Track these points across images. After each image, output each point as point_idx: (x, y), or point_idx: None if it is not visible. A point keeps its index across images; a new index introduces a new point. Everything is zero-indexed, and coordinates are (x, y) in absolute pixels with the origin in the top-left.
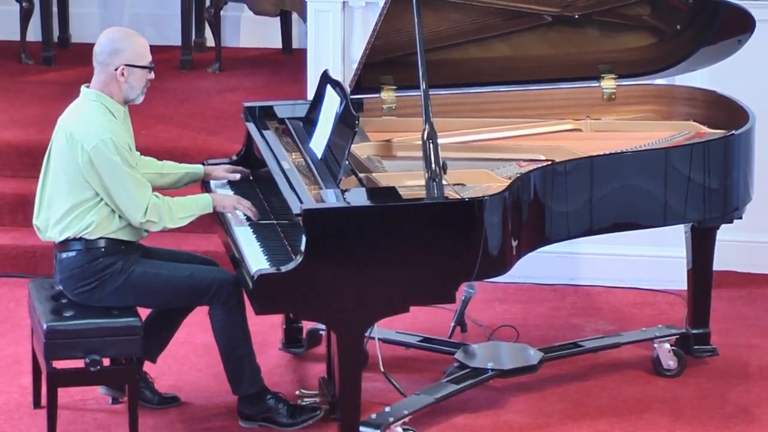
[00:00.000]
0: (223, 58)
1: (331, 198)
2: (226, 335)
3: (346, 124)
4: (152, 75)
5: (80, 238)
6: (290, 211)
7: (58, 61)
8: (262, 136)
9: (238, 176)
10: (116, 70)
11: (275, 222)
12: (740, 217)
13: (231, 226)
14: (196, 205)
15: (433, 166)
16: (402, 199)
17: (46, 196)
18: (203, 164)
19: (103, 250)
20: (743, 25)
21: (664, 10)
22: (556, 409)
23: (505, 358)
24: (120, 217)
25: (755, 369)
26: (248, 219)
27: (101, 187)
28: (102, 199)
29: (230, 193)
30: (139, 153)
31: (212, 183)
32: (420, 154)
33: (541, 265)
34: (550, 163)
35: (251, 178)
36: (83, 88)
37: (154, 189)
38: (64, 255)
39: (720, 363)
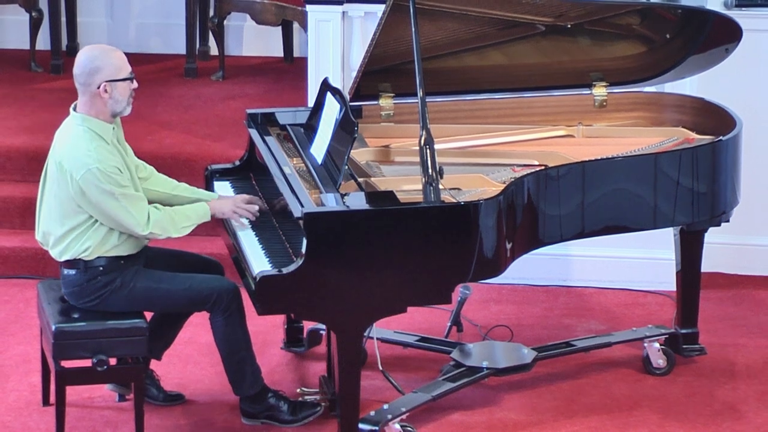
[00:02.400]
0: (226, 67)
1: (331, 202)
2: (227, 340)
3: (346, 131)
4: (135, 84)
5: (79, 259)
6: (291, 213)
7: (67, 69)
8: (264, 141)
9: (248, 218)
10: (98, 87)
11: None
12: (728, 221)
13: (234, 229)
14: (195, 213)
15: (430, 171)
16: (400, 203)
17: (43, 215)
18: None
19: (101, 269)
20: (731, 34)
21: (654, 19)
22: (549, 407)
23: (499, 357)
24: (118, 234)
25: (742, 367)
26: (249, 221)
27: (97, 212)
28: (96, 221)
29: (231, 193)
30: (153, 168)
31: (215, 182)
32: (417, 159)
33: (535, 267)
34: (543, 167)
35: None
36: (71, 110)
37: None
38: (65, 272)
39: (708, 362)
